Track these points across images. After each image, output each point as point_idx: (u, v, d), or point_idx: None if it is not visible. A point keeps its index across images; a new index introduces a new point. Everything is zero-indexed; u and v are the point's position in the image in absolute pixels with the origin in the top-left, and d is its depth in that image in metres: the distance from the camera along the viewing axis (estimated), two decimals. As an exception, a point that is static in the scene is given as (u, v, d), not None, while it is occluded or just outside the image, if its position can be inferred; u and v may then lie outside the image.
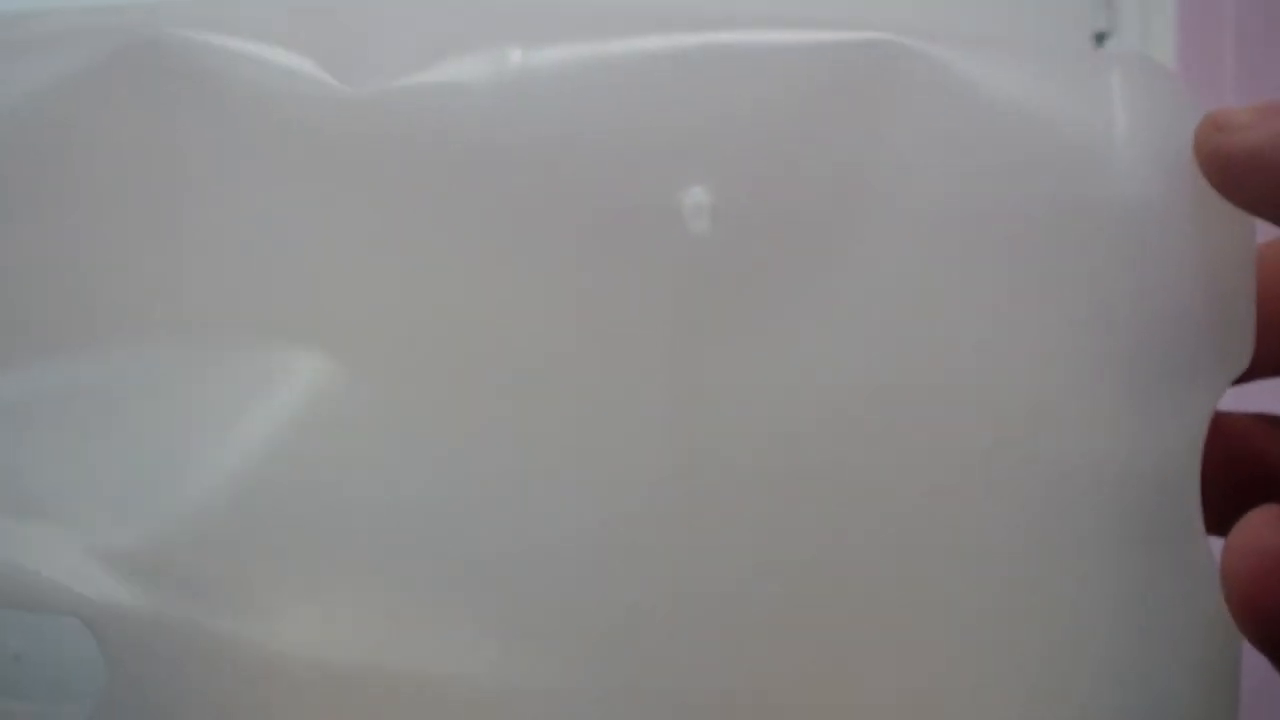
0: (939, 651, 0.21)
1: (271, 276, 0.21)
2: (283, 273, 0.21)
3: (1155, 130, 0.20)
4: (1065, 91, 0.21)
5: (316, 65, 0.21)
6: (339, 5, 0.22)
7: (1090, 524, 0.20)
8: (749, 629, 0.21)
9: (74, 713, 0.22)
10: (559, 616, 0.21)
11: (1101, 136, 0.20)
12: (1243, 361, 0.21)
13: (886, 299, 0.21)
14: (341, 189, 0.21)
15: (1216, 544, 0.20)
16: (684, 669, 0.21)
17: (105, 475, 0.21)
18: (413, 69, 0.21)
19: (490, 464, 0.21)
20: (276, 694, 0.20)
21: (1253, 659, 0.19)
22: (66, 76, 0.21)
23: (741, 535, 0.21)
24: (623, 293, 0.21)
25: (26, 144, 0.21)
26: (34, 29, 0.22)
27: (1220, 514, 0.20)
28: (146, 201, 0.21)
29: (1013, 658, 0.21)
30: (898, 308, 0.21)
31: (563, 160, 0.21)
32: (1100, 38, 0.95)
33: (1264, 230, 0.21)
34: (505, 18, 0.21)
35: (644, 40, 0.21)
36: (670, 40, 0.21)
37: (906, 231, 0.21)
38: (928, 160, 0.21)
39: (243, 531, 0.21)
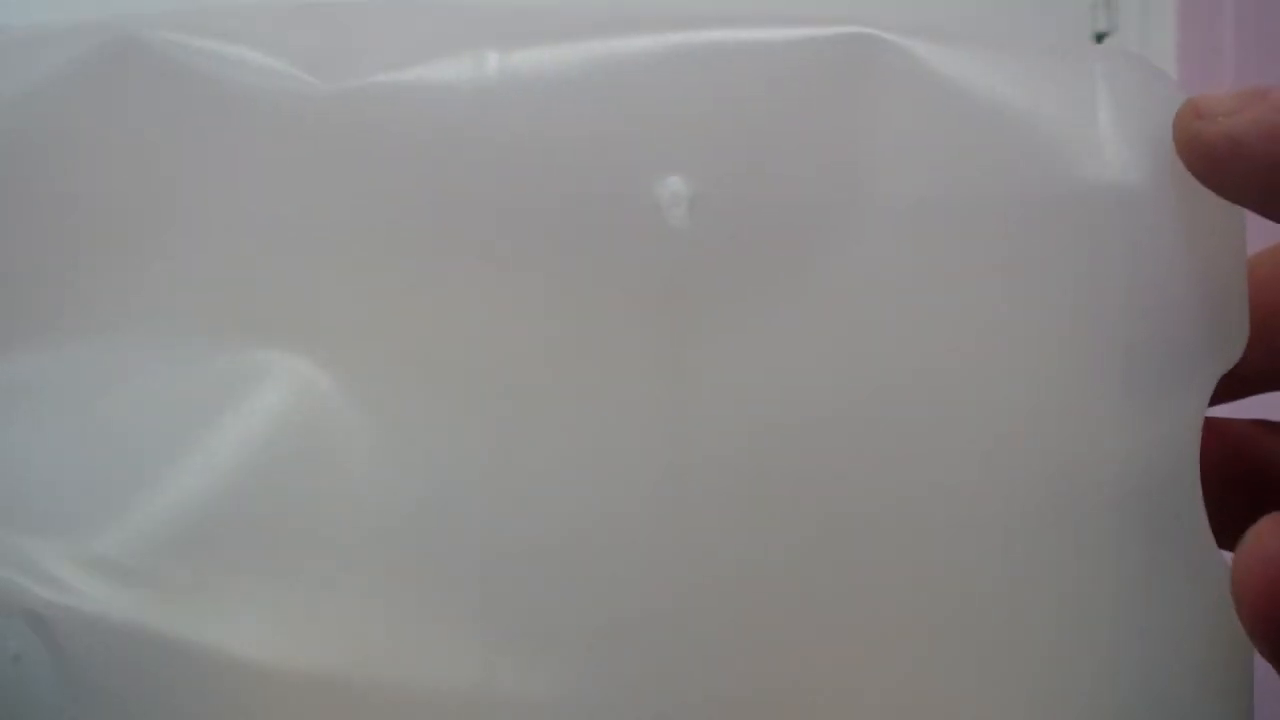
0: (938, 651, 0.21)
1: (250, 276, 0.21)
2: (262, 272, 0.21)
3: (1138, 122, 0.20)
4: (1047, 84, 0.21)
5: (296, 63, 0.21)
6: (318, 7, 0.22)
7: (1088, 519, 0.20)
8: (745, 631, 0.21)
9: (74, 713, 0.22)
10: (550, 621, 0.21)
11: (1084, 129, 0.20)
12: (1237, 348, 0.21)
13: (871, 294, 0.21)
14: (321, 186, 0.21)
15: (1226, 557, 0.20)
16: (681, 672, 0.21)
17: (72, 475, 0.21)
18: (391, 68, 0.21)
19: (473, 465, 0.21)
20: (250, 703, 0.20)
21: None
22: (46, 77, 0.21)
23: (734, 536, 0.21)
24: (606, 288, 0.21)
25: (6, 144, 0.21)
26: (14, 36, 0.22)
27: (1221, 523, 0.20)
28: (125, 199, 0.21)
29: (1013, 657, 0.21)
30: (883, 302, 0.21)
31: (542, 155, 0.21)
32: (1100, 38, 0.95)
33: (1254, 222, 0.21)
34: (481, 22, 0.21)
35: (621, 39, 0.21)
36: (647, 39, 0.21)
37: (889, 225, 0.21)
38: (908, 153, 0.21)
39: (218, 535, 0.20)
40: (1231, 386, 0.21)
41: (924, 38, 0.21)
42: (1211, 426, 0.21)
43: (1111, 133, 0.20)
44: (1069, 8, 0.94)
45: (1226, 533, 0.19)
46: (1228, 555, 0.19)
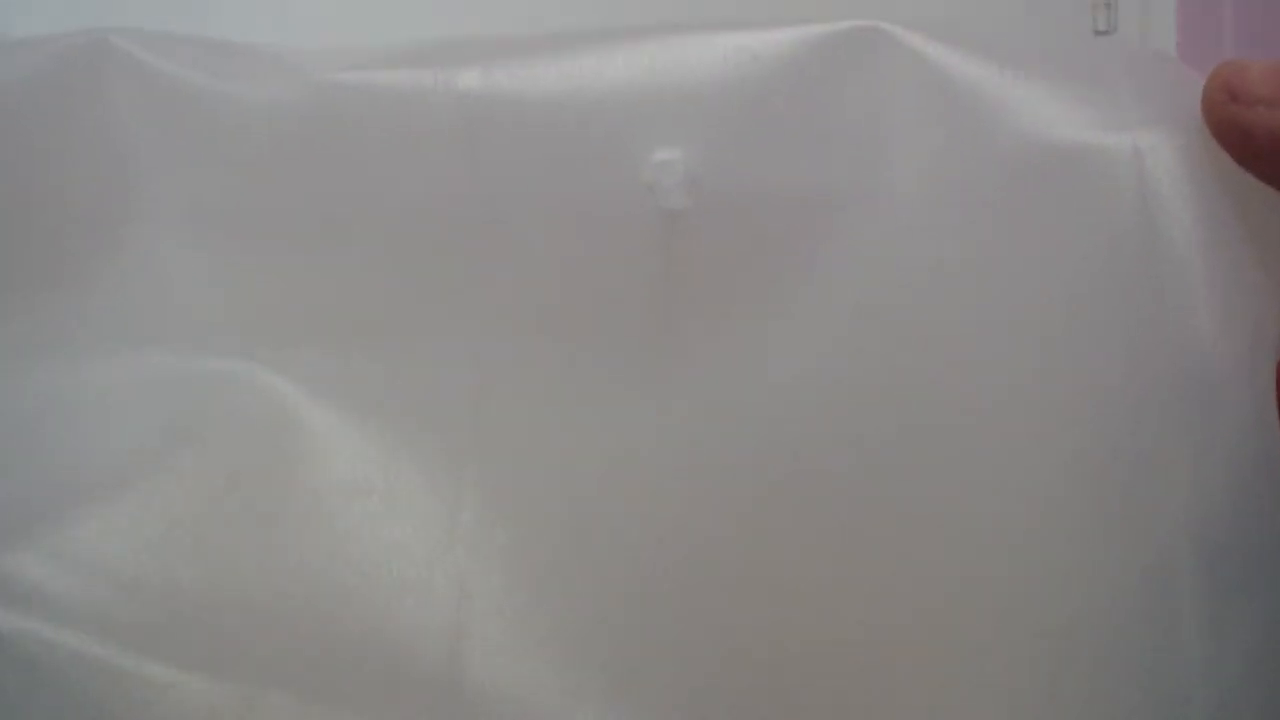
0: (944, 650, 0.21)
1: (213, 281, 0.21)
2: (225, 279, 0.21)
3: (1155, 103, 0.20)
4: (1064, 80, 0.21)
5: (269, 59, 0.21)
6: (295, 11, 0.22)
7: (1115, 510, 0.20)
8: (740, 631, 0.21)
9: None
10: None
11: (1098, 108, 0.20)
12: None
13: (875, 279, 0.21)
14: (296, 183, 0.21)
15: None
16: (679, 672, 0.21)
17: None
18: (363, 68, 0.21)
19: (463, 467, 0.21)
20: None
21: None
22: (18, 79, 0.21)
23: (739, 533, 0.21)
24: (602, 279, 0.21)
25: None
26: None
27: None
28: (91, 200, 0.21)
29: (1015, 658, 0.21)
30: (888, 289, 0.21)
31: (536, 141, 0.21)
32: (1100, 37, 0.95)
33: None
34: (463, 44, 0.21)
35: (618, 37, 0.21)
36: (641, 37, 0.21)
37: (894, 211, 0.20)
38: (913, 140, 0.20)
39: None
40: None
41: (926, 34, 0.21)
42: None
43: (1130, 115, 0.20)
44: (1069, 7, 0.94)
45: None
46: None
